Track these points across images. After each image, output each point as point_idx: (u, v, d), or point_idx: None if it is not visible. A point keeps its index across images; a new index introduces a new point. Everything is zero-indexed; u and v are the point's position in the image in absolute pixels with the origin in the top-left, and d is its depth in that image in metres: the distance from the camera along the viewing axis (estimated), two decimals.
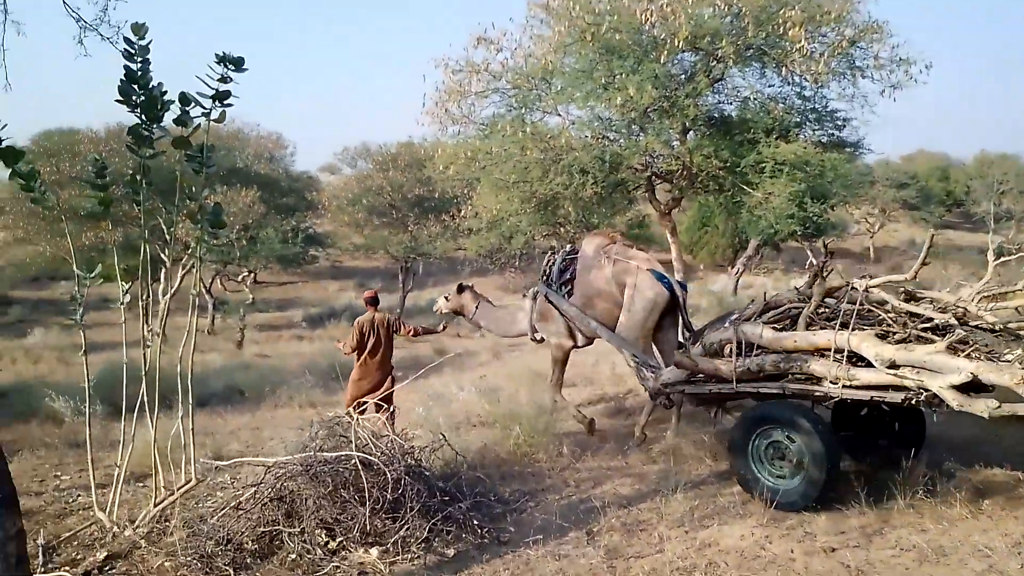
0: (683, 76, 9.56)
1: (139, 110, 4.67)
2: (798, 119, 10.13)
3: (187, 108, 4.69)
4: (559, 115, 10.14)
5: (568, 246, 7.79)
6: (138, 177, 5.20)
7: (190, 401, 5.49)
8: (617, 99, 8.72)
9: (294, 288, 33.81)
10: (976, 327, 5.29)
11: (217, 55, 4.62)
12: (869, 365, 5.03)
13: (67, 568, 4.85)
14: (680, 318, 6.96)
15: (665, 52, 8.82)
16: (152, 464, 5.68)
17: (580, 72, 9.18)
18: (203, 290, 24.46)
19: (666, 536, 5.03)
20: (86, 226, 20.55)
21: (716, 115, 10.17)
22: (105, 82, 5.02)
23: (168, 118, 4.80)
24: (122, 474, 5.57)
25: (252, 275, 29.73)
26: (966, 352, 4.83)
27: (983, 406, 4.51)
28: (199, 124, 4.85)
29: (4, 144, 4.42)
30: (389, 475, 4.94)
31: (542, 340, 7.65)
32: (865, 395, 5.02)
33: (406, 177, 25.23)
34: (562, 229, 12.70)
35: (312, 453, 5.11)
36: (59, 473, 7.63)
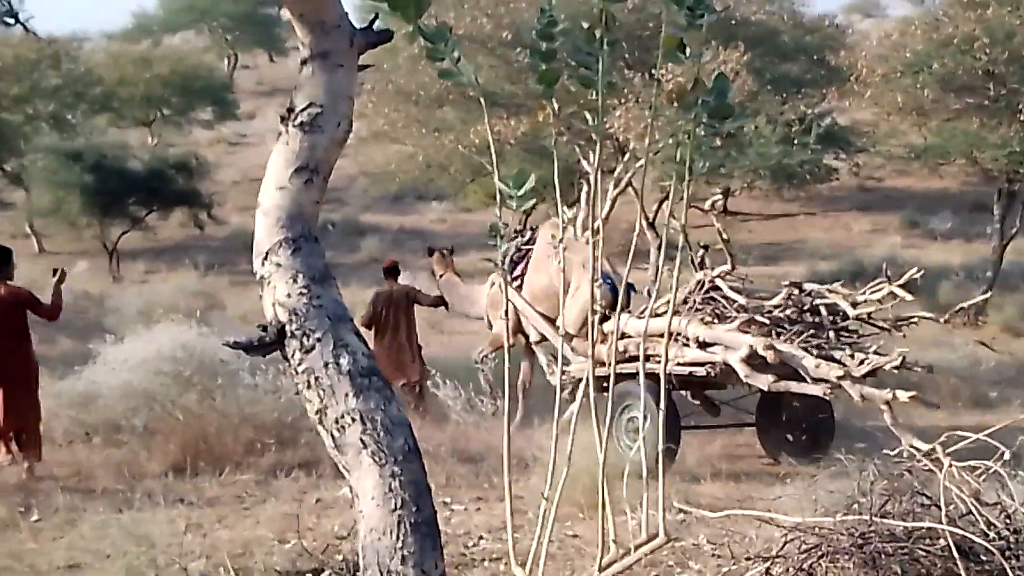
0: None
1: None
2: None
3: None
4: None
5: (526, 234, 12.15)
6: (596, 33, 5.62)
7: (661, 403, 5.93)
8: None
9: (790, 224, 34.46)
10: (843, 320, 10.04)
11: None
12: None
13: None
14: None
15: None
16: (597, 502, 6.31)
17: None
18: (645, 223, 26.18)
19: None
20: (478, 115, 23.17)
21: None
22: None
23: None
24: (551, 514, 6.28)
25: (723, 200, 30.83)
26: (787, 337, 9.50)
27: (764, 380, 9.24)
28: None
29: None
30: None
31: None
32: (685, 370, 9.66)
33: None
34: None
35: (866, 517, 5.24)
36: (449, 499, 8.92)
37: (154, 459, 9.64)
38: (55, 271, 9.88)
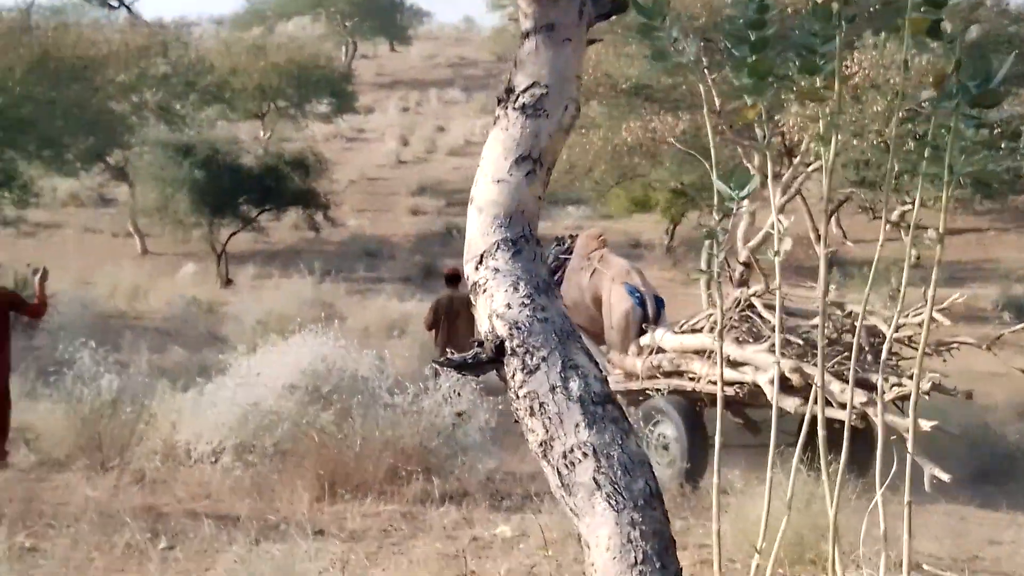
0: None
1: None
2: None
3: None
4: None
5: (565, 243, 13.43)
6: (832, 7, 5.35)
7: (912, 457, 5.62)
8: None
9: (980, 241, 33.79)
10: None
11: None
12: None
13: None
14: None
15: None
16: (803, 556, 6.01)
17: None
18: (814, 236, 25.67)
19: None
20: (628, 111, 22.90)
21: None
22: None
23: None
24: (767, 571, 6.01)
25: (910, 211, 30.05)
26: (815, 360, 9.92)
27: (791, 403, 9.61)
28: None
29: None
30: None
31: None
32: (715, 388, 9.77)
33: None
34: None
35: None
36: None
37: (288, 484, 9.55)
38: (36, 270, 11.25)
